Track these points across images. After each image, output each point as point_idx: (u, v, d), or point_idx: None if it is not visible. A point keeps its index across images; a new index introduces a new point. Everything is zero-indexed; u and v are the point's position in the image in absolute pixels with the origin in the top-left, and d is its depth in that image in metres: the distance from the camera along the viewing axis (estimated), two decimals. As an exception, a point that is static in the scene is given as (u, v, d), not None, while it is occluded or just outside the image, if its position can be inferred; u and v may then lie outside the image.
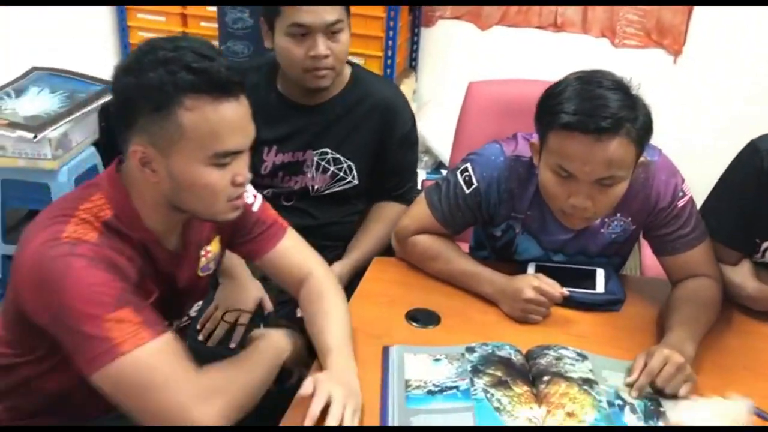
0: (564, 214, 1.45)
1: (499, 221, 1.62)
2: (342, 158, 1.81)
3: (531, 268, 1.62)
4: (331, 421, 1.13)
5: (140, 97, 1.11)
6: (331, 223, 1.88)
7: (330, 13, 1.64)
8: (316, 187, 1.84)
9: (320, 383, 1.17)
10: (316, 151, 1.80)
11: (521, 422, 1.18)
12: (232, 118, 1.13)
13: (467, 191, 1.58)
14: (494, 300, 1.55)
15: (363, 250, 1.82)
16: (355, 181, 1.84)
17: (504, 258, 1.69)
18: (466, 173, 1.58)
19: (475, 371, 1.31)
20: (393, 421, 1.19)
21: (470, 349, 1.37)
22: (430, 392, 1.26)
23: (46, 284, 1.09)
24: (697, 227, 1.55)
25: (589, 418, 1.20)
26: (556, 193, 1.42)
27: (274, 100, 1.80)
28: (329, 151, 1.80)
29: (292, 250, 1.44)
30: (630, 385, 1.28)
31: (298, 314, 1.59)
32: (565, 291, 1.50)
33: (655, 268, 1.95)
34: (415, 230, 1.65)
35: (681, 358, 1.28)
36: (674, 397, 1.29)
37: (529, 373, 1.32)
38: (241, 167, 1.17)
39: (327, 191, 1.85)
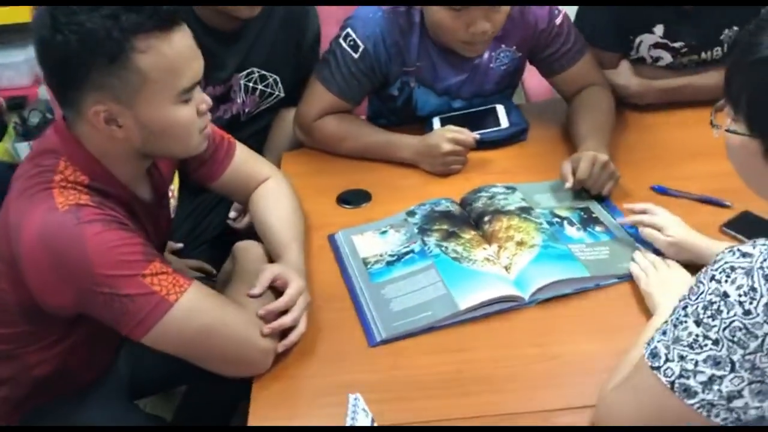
0: (464, 45, 1.49)
1: (393, 79, 1.63)
2: (267, 74, 1.72)
3: (436, 123, 1.66)
4: (293, 313, 1.14)
5: (86, 52, 0.99)
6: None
7: None
8: (246, 110, 1.74)
9: (292, 283, 1.17)
10: (241, 74, 1.69)
11: (480, 264, 1.25)
12: (185, 49, 1.06)
13: (356, 56, 1.56)
14: (414, 162, 1.58)
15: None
16: (282, 94, 1.76)
17: (405, 118, 1.72)
18: (350, 38, 1.56)
19: (423, 231, 1.36)
20: (365, 299, 1.24)
21: (410, 213, 1.42)
22: (389, 263, 1.31)
23: (65, 261, 1.02)
24: (578, 40, 1.63)
25: (537, 241, 1.29)
26: (455, 27, 1.45)
27: (197, 30, 1.65)
28: (255, 69, 1.70)
29: (248, 161, 1.40)
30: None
31: (232, 214, 1.58)
32: (476, 135, 1.56)
33: (537, 93, 2.06)
34: (316, 114, 1.63)
35: (606, 156, 1.39)
36: (601, 199, 1.41)
37: (469, 218, 1.39)
38: (201, 94, 1.11)
39: (257, 112, 1.76)
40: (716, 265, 0.79)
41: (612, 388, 0.92)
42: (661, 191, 1.42)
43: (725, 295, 0.77)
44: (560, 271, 1.21)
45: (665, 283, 1.14)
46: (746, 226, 1.29)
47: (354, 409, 0.85)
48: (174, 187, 1.32)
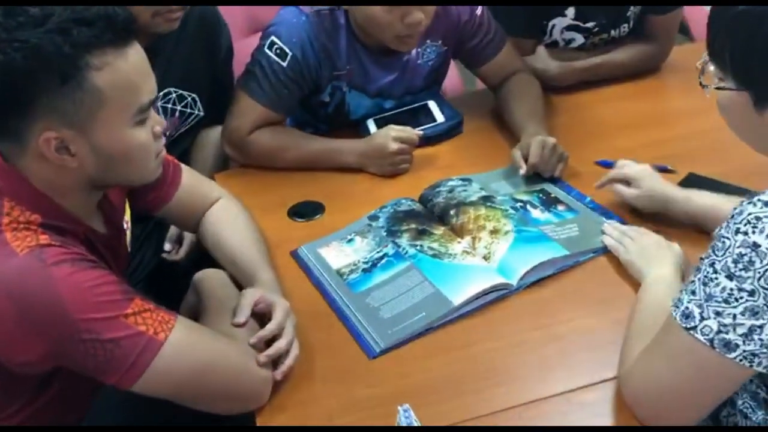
0: (400, 39, 1.47)
1: (324, 85, 1.58)
2: (185, 93, 1.59)
3: (372, 125, 1.63)
4: (287, 336, 1.08)
5: (34, 73, 0.87)
6: None
7: None
8: (167, 134, 1.61)
9: (277, 304, 1.10)
10: (159, 95, 1.55)
11: (461, 258, 1.24)
12: (141, 63, 0.96)
13: (284, 64, 1.50)
14: (360, 166, 1.55)
15: None
16: (201, 113, 1.64)
17: (336, 124, 1.67)
18: (276, 46, 1.50)
19: (392, 233, 1.32)
20: (352, 311, 1.18)
21: (373, 217, 1.38)
22: (365, 270, 1.26)
23: (35, 310, 0.89)
24: (498, 29, 1.66)
25: (509, 227, 1.29)
26: (390, 20, 1.42)
27: None
28: (173, 90, 1.57)
29: (196, 182, 1.30)
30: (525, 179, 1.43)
31: (167, 246, 1.48)
32: (419, 131, 1.54)
33: (454, 89, 2.08)
34: (249, 129, 1.55)
35: (553, 139, 1.42)
36: (554, 180, 1.44)
37: (433, 214, 1.37)
38: (155, 115, 1.01)
39: (177, 135, 1.63)
40: (739, 218, 0.82)
41: (638, 358, 0.93)
42: (607, 165, 1.47)
43: (755, 245, 0.79)
44: (541, 253, 1.22)
45: (644, 249, 1.18)
46: (695, 187, 1.36)
47: (408, 422, 0.80)
48: (127, 218, 1.20)
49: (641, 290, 1.10)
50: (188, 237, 1.57)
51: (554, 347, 1.09)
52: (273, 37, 1.51)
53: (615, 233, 1.25)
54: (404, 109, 1.67)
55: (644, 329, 0.99)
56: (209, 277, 1.23)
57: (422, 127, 1.60)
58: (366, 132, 1.62)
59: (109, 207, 1.13)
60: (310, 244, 1.35)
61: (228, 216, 1.30)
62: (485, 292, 1.17)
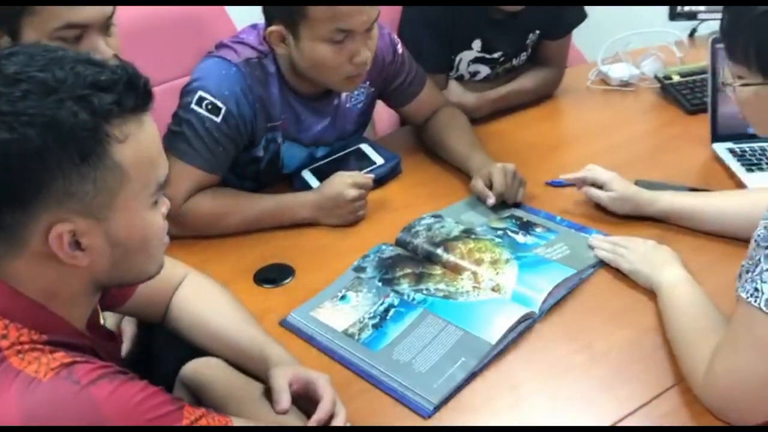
0: (348, 80, 1.40)
1: (259, 138, 1.46)
2: None
3: (309, 177, 1.54)
4: (341, 412, 0.96)
5: (50, 151, 0.70)
6: None
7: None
8: None
9: (318, 380, 0.97)
10: None
11: (473, 294, 1.19)
12: (155, 133, 0.80)
13: (218, 120, 1.37)
14: (315, 219, 1.44)
15: None
16: None
17: (268, 180, 1.55)
18: (206, 101, 1.36)
19: (388, 282, 1.24)
20: (382, 372, 1.07)
21: (359, 269, 1.28)
22: (376, 326, 1.16)
23: None
24: (418, 66, 1.65)
25: (508, 255, 1.26)
26: (338, 61, 1.35)
27: None
28: None
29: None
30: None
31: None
32: (370, 175, 1.48)
33: (384, 127, 2.04)
34: (183, 196, 1.38)
35: (512, 165, 1.42)
36: (517, 205, 1.44)
37: (419, 256, 1.30)
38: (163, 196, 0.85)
39: None
40: None
41: (716, 359, 0.93)
42: (557, 184, 1.51)
43: None
44: (552, 277, 1.20)
45: (645, 256, 1.21)
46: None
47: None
48: (102, 320, 1.00)
49: (666, 295, 1.12)
50: (128, 331, 1.34)
51: (604, 366, 1.07)
52: (201, 93, 1.37)
53: (606, 245, 1.27)
54: (339, 155, 1.59)
55: (700, 330, 1.01)
56: (203, 368, 1.06)
57: (365, 171, 1.53)
58: (304, 185, 1.52)
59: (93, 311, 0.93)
60: (299, 309, 1.21)
61: (202, 294, 1.13)
62: (516, 325, 1.12)
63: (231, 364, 1.06)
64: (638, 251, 1.22)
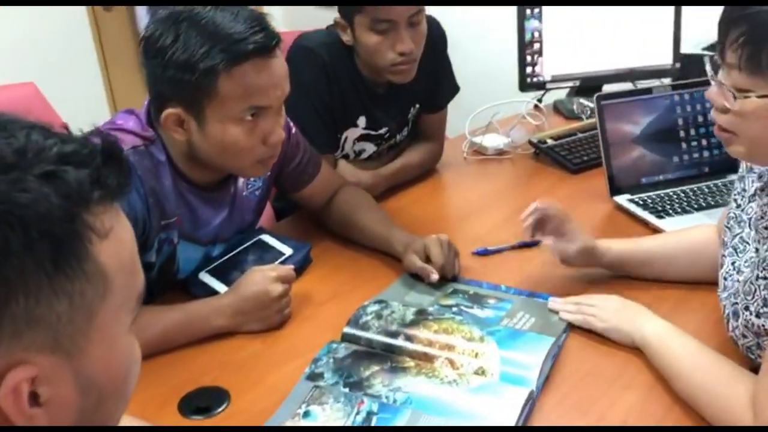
0: (260, 163, 1.23)
1: (152, 239, 1.21)
2: None
3: (209, 280, 1.30)
4: None
5: (8, 257, 0.48)
6: None
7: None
8: None
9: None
10: None
11: (461, 383, 1.03)
12: (129, 225, 0.60)
13: None
14: (235, 327, 1.20)
15: None
16: None
17: (159, 290, 1.29)
18: None
19: (356, 386, 1.04)
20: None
21: (314, 376, 1.07)
22: (362, 441, 0.95)
23: None
24: (311, 146, 1.51)
25: (477, 332, 1.13)
26: (251, 143, 1.18)
27: None
28: None
29: None
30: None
31: None
32: (289, 267, 1.28)
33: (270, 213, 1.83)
34: None
35: (446, 236, 1.32)
36: (455, 278, 1.32)
37: (378, 350, 1.12)
38: None
39: None
40: None
41: (764, 398, 0.87)
42: (484, 252, 1.42)
43: None
44: (535, 349, 1.09)
45: (618, 312, 1.15)
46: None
47: None
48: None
49: (661, 348, 1.05)
50: None
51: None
52: None
53: (570, 307, 1.19)
54: (239, 250, 1.37)
55: (723, 376, 0.95)
56: None
57: (276, 264, 1.33)
58: (205, 290, 1.28)
59: None
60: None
61: None
62: (523, 409, 0.98)
63: None
64: (608, 308, 1.16)
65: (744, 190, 1.12)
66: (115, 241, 0.54)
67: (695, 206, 1.52)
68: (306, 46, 1.57)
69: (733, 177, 1.60)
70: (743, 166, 1.14)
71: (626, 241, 1.30)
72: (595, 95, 1.62)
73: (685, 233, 1.30)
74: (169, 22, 1.11)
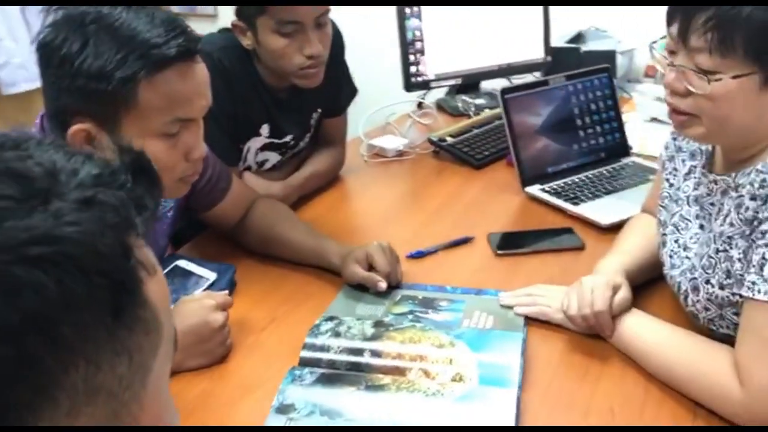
0: (181, 182, 1.11)
1: None
2: None
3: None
4: None
5: (72, 307, 0.37)
6: None
7: None
8: None
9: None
10: None
11: (446, 392, 0.97)
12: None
13: None
14: (176, 367, 1.02)
15: None
16: None
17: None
18: None
19: (334, 414, 0.95)
20: None
21: (284, 409, 0.96)
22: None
23: None
24: (219, 159, 1.38)
25: (445, 338, 1.08)
26: (173, 159, 1.06)
27: None
28: None
29: None
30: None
31: None
32: (222, 292, 1.16)
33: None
34: None
35: (386, 242, 1.26)
36: (397, 285, 1.27)
37: (342, 369, 1.04)
38: None
39: None
40: None
41: (750, 372, 0.89)
42: (418, 255, 1.38)
43: None
44: (506, 347, 1.06)
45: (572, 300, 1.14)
46: (511, 242, 1.40)
47: None
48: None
49: (624, 332, 1.06)
50: None
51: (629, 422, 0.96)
52: None
53: (523, 299, 1.18)
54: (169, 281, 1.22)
55: (696, 349, 0.98)
56: None
57: (201, 291, 1.20)
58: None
59: None
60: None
61: None
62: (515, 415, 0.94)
63: None
64: (560, 297, 1.15)
65: (675, 169, 1.16)
66: (158, 277, 0.44)
67: (603, 191, 1.58)
68: (203, 50, 1.44)
69: (626, 161, 1.71)
70: (670, 146, 1.18)
71: (617, 254, 1.21)
72: (500, 89, 1.63)
73: (639, 228, 1.27)
74: (74, 25, 0.95)
